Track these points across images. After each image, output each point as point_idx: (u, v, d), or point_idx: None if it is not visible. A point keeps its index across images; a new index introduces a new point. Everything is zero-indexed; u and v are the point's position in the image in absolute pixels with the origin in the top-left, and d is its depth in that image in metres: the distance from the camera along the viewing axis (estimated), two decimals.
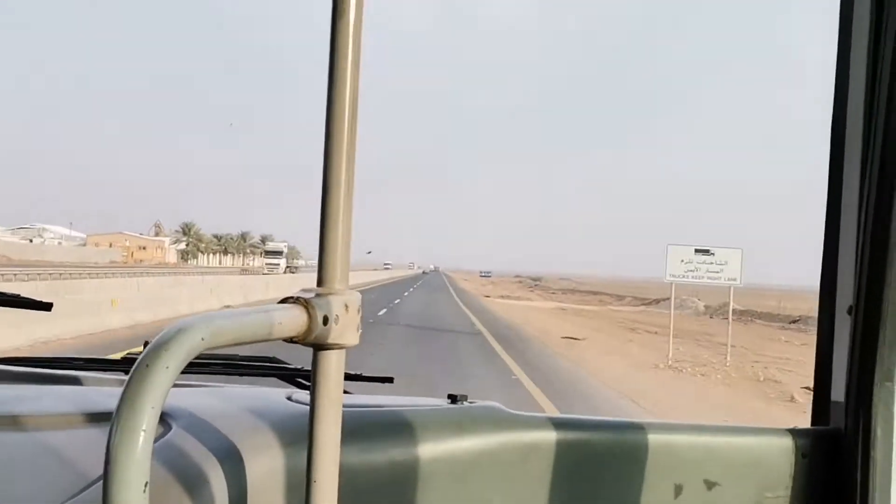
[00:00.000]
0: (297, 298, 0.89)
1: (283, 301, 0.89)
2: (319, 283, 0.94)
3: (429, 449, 1.43)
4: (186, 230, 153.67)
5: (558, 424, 1.56)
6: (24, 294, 1.90)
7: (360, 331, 0.96)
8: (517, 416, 1.58)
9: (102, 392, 1.58)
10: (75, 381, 1.76)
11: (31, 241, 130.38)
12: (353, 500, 1.25)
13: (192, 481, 1.12)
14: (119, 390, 0.78)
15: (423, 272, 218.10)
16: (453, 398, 1.63)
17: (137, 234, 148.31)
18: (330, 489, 0.97)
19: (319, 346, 0.93)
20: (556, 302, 63.58)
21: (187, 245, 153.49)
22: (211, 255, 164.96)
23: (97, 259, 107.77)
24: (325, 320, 0.90)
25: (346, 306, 0.93)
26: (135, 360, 1.64)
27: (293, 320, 0.87)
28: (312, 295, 0.90)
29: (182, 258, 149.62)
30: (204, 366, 1.88)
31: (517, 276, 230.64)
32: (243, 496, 1.19)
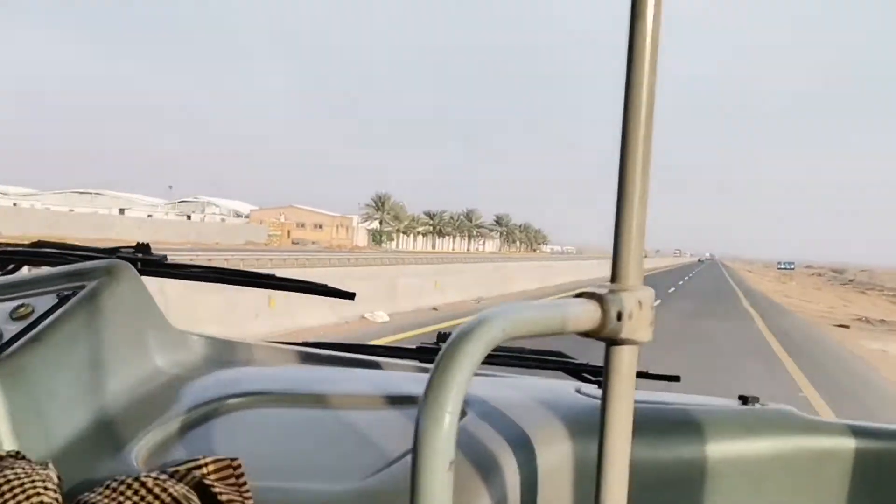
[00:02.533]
0: (592, 293, 0.91)
1: (578, 296, 0.92)
2: (613, 278, 0.94)
3: (718, 449, 1.40)
4: (379, 204, 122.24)
5: (858, 432, 1.46)
6: None
7: (654, 327, 0.96)
8: (813, 420, 1.49)
9: (401, 377, 1.65)
10: (375, 366, 1.83)
11: (188, 217, 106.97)
12: (640, 495, 1.21)
13: (487, 466, 1.18)
14: (416, 376, 0.93)
15: (700, 260, 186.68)
16: (744, 399, 1.56)
17: (313, 210, 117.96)
18: (620, 484, 0.97)
19: (612, 341, 0.93)
20: None
21: (381, 223, 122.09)
22: (420, 236, 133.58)
23: (231, 240, 78.33)
24: (619, 315, 0.91)
25: (640, 302, 0.93)
26: (429, 349, 1.97)
27: (587, 314, 0.89)
28: (606, 290, 0.92)
29: (374, 240, 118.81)
30: (495, 356, 1.87)
31: (809, 267, 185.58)
32: (534, 484, 1.24)
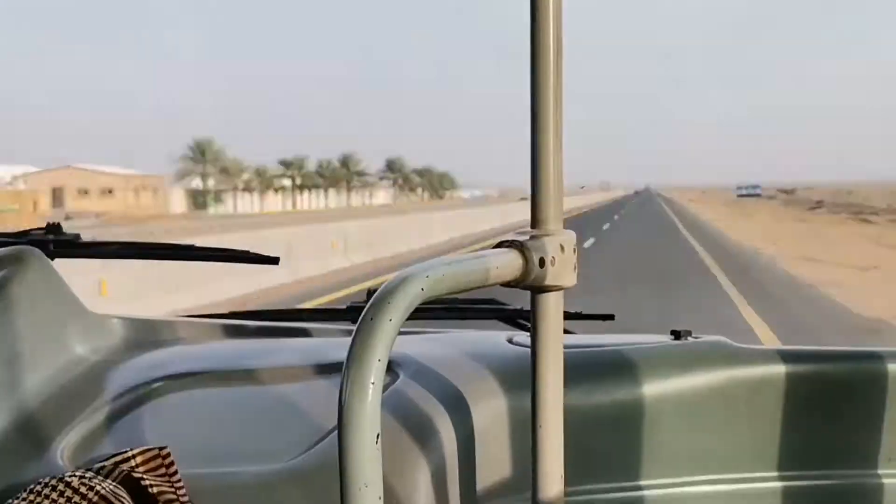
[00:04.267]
0: (513, 242, 0.89)
1: (498, 245, 0.89)
2: (533, 224, 0.92)
3: (654, 387, 1.40)
4: (198, 153, 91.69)
5: (789, 357, 1.46)
6: None
7: (578, 270, 0.94)
8: (745, 349, 1.49)
9: (330, 343, 1.66)
10: (304, 333, 1.80)
11: None
12: (578, 441, 1.24)
13: (421, 428, 1.17)
14: (346, 340, 0.89)
15: (635, 192, 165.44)
16: (676, 334, 1.55)
17: (99, 169, 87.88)
18: (555, 431, 0.96)
19: (537, 289, 0.92)
20: None
21: (204, 179, 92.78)
22: (272, 193, 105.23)
23: None
24: (542, 262, 0.89)
25: (562, 246, 0.91)
26: (359, 308, 1.77)
27: (509, 264, 0.87)
28: (527, 237, 0.90)
29: (195, 204, 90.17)
30: (425, 311, 1.84)
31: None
32: (470, 441, 1.24)
